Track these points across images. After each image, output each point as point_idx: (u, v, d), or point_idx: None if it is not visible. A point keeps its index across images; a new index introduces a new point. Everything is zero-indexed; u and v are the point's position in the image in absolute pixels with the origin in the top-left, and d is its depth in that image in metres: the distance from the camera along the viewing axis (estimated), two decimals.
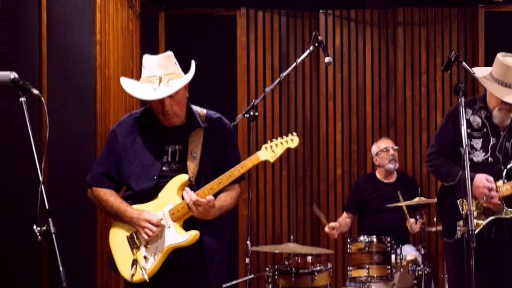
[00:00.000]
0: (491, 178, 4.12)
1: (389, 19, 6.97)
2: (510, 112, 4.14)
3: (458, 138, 4.18)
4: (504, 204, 4.16)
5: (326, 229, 5.96)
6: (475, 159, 4.18)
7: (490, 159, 4.19)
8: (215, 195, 3.43)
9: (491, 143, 4.19)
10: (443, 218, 4.36)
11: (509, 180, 4.16)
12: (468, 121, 4.20)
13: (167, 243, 3.40)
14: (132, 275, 3.43)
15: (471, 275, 3.69)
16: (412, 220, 5.84)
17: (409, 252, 5.79)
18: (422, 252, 5.46)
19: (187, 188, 3.39)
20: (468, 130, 4.18)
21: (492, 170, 4.17)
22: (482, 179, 4.11)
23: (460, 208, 4.24)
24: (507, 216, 4.15)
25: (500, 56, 4.12)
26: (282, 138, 3.45)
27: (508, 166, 4.18)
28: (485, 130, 4.21)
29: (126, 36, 5.85)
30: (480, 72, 4.25)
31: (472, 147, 4.20)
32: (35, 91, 2.72)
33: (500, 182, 4.18)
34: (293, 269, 5.17)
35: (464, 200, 4.19)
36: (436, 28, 6.92)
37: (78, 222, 4.79)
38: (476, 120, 4.23)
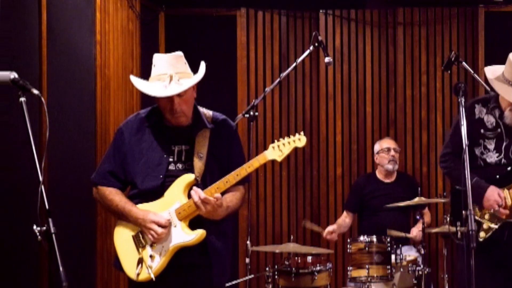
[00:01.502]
0: (503, 194, 4.07)
1: (389, 19, 6.97)
2: None
3: (471, 138, 4.03)
4: None
5: (325, 235, 5.97)
6: (488, 160, 4.12)
7: (503, 160, 4.11)
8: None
9: (504, 144, 4.11)
10: (455, 220, 4.31)
11: None
12: (482, 120, 4.14)
13: (173, 242, 3.40)
14: (138, 274, 3.43)
15: (471, 275, 3.69)
16: (414, 232, 5.86)
17: (409, 252, 5.80)
18: (422, 252, 5.46)
19: (195, 187, 3.40)
20: (482, 130, 4.12)
21: (505, 172, 4.10)
22: (495, 193, 4.05)
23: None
24: None
25: (511, 55, 3.99)
26: (289, 137, 3.46)
27: None
28: (499, 130, 4.12)
29: (126, 36, 5.85)
30: (492, 72, 4.11)
31: (485, 147, 4.13)
32: (35, 91, 2.72)
33: None
34: (293, 269, 5.17)
35: (474, 204, 4.14)
36: (436, 28, 6.92)
37: (78, 222, 4.79)
38: (490, 120, 4.14)
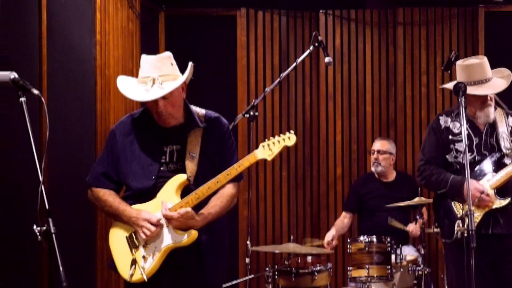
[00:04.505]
0: (480, 182, 4.22)
1: (389, 19, 6.97)
2: (490, 106, 4.28)
3: (441, 146, 4.34)
4: (496, 195, 4.20)
5: (326, 246, 5.95)
6: (462, 161, 4.20)
7: (477, 157, 4.29)
8: (213, 194, 3.45)
9: (474, 143, 4.30)
10: (441, 223, 4.39)
11: (498, 171, 4.23)
12: (448, 128, 4.35)
13: (166, 243, 3.41)
14: (131, 275, 3.43)
15: (471, 275, 3.69)
16: (411, 227, 5.84)
17: (409, 252, 5.79)
18: (422, 252, 5.46)
19: (163, 202, 3.40)
20: (450, 136, 4.33)
21: (480, 167, 4.27)
22: (474, 183, 4.17)
23: (455, 210, 4.26)
24: (501, 206, 4.20)
25: (459, 62, 4.30)
26: (279, 136, 3.45)
27: (494, 158, 4.27)
28: (466, 132, 4.24)
29: (126, 36, 5.85)
30: (450, 85, 4.33)
31: (457, 151, 4.31)
32: (35, 91, 2.72)
33: (489, 175, 4.24)
34: (293, 269, 5.17)
35: (457, 203, 4.23)
36: (436, 28, 6.92)
37: (78, 222, 4.79)
38: (456, 126, 4.34)
